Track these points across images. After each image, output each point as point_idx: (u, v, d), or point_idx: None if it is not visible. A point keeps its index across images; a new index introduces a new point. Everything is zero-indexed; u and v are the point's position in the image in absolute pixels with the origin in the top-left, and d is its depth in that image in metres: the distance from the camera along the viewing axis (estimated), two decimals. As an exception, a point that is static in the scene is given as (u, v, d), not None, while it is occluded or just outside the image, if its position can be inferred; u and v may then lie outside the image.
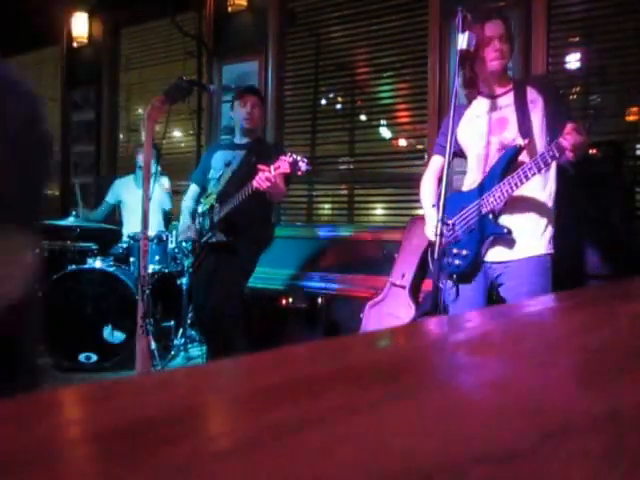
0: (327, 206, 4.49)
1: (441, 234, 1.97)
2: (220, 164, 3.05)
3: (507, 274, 2.14)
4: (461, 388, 0.40)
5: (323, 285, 3.94)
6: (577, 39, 3.36)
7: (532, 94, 2.17)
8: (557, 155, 1.95)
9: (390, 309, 3.21)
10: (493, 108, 2.22)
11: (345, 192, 4.36)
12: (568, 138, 1.90)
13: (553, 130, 2.11)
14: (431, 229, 2.22)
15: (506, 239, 2.11)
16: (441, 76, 3.58)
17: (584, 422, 0.32)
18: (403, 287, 3.18)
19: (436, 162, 2.43)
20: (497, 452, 0.28)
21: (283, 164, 2.49)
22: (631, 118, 3.03)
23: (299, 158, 2.50)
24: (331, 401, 0.34)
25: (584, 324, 0.63)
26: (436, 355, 0.50)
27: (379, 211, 4.21)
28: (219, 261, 2.90)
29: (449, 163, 2.02)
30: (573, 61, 3.36)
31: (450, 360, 0.48)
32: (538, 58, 3.27)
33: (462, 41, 2.01)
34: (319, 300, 3.66)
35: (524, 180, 2.03)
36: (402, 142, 4.04)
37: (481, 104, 2.27)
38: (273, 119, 4.30)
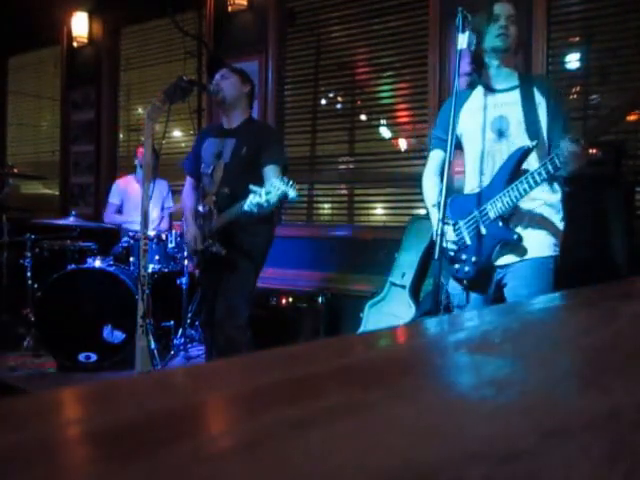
0: (327, 206, 4.50)
1: (442, 234, 1.96)
2: (210, 156, 2.82)
3: (510, 275, 2.10)
4: (461, 388, 0.40)
5: (323, 285, 3.94)
6: (577, 39, 3.36)
7: (537, 96, 2.08)
8: (552, 171, 1.90)
9: (390, 309, 3.21)
10: (498, 103, 2.13)
11: (345, 192, 4.36)
12: (561, 155, 1.87)
13: (550, 136, 2.07)
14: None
15: (513, 244, 2.05)
16: (441, 76, 3.58)
17: (584, 422, 0.32)
18: (403, 287, 3.18)
19: (436, 156, 2.30)
20: (497, 452, 0.28)
21: (275, 192, 2.31)
22: (631, 118, 3.02)
23: (290, 188, 2.30)
24: (331, 401, 0.34)
25: (584, 324, 0.63)
26: (436, 355, 0.50)
27: (379, 211, 4.21)
28: (223, 271, 2.75)
29: (450, 162, 2.01)
30: (573, 61, 3.36)
31: (450, 360, 0.48)
32: (538, 58, 3.27)
33: (462, 41, 2.00)
34: (319, 300, 3.66)
35: (533, 186, 1.96)
36: (402, 142, 4.04)
37: (483, 97, 2.16)
38: (273, 119, 4.30)
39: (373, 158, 4.12)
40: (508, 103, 2.10)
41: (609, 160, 2.63)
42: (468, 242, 2.11)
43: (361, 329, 3.27)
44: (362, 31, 4.05)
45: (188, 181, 3.03)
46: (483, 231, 2.07)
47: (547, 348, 0.51)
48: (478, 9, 2.11)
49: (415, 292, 3.19)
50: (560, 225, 2.11)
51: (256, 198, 2.35)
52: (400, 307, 3.15)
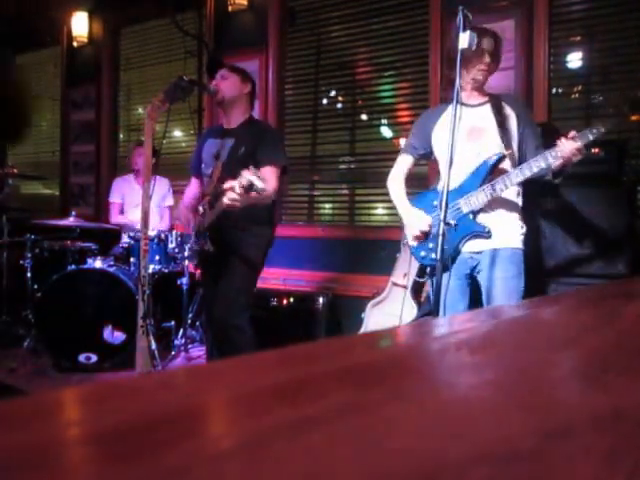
0: (328, 206, 4.50)
1: (443, 234, 1.98)
2: (209, 157, 2.82)
3: (484, 261, 2.29)
4: (461, 388, 0.40)
5: (323, 285, 3.95)
6: (578, 38, 3.36)
7: (507, 109, 2.33)
8: (543, 166, 2.13)
9: (392, 309, 3.20)
10: (470, 116, 2.33)
11: (346, 192, 4.36)
12: (565, 145, 2.07)
13: (522, 149, 2.31)
14: (415, 228, 2.37)
15: (482, 236, 2.28)
16: (442, 75, 3.58)
17: (586, 421, 0.32)
18: (405, 287, 3.18)
19: (405, 161, 2.53)
20: (498, 452, 0.28)
21: (243, 182, 2.24)
22: (633, 117, 3.03)
23: (254, 178, 2.21)
24: (331, 401, 0.34)
25: (585, 324, 0.63)
26: (436, 355, 0.50)
27: (380, 210, 4.21)
28: (221, 270, 2.73)
29: (450, 162, 2.03)
30: (574, 60, 3.36)
31: (450, 360, 0.48)
32: (539, 57, 3.27)
33: (463, 40, 2.01)
34: (319, 300, 3.66)
35: (509, 185, 2.20)
36: (403, 142, 4.04)
37: (457, 111, 2.27)
38: (274, 119, 4.30)
39: (374, 158, 4.12)
40: (481, 115, 2.33)
41: (611, 159, 2.63)
42: (434, 232, 2.32)
43: (362, 330, 3.27)
44: (362, 30, 4.05)
45: (192, 181, 3.03)
46: (453, 223, 2.23)
47: (549, 348, 0.51)
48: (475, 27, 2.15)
49: (417, 292, 3.19)
50: (523, 221, 2.34)
51: (231, 195, 2.30)
52: (402, 308, 3.15)
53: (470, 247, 2.31)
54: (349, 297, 3.79)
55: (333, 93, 4.35)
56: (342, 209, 4.43)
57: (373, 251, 3.84)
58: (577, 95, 3.38)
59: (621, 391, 0.37)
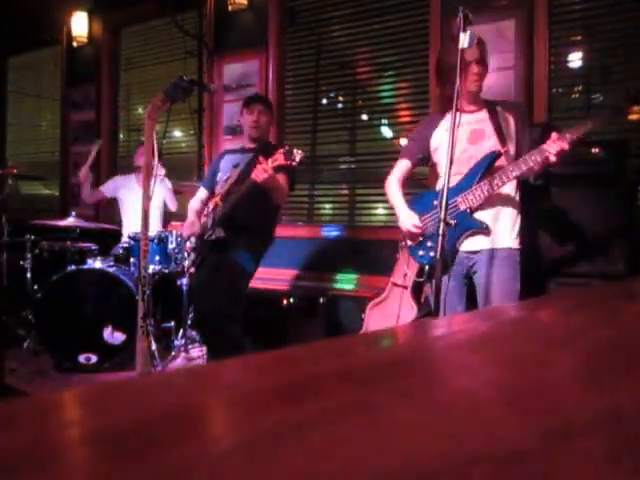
0: (328, 206, 4.50)
1: (443, 235, 1.98)
2: (228, 166, 3.08)
3: (480, 262, 2.32)
4: (461, 388, 0.40)
5: (323, 285, 3.94)
6: (579, 38, 3.36)
7: (504, 114, 2.38)
8: (539, 160, 2.15)
9: (392, 309, 3.20)
10: (470, 121, 2.38)
11: (346, 192, 4.36)
12: (552, 145, 2.10)
13: (519, 149, 2.35)
14: (406, 221, 2.45)
15: (481, 232, 2.30)
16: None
17: (586, 422, 0.32)
18: (405, 287, 3.18)
19: (403, 166, 2.56)
20: (498, 452, 0.28)
21: (279, 155, 2.56)
22: (633, 117, 3.02)
23: (295, 149, 2.56)
24: (331, 401, 0.34)
25: (585, 324, 0.63)
26: (436, 355, 0.50)
27: (380, 211, 4.21)
28: (220, 262, 2.87)
29: (450, 162, 2.03)
30: (575, 60, 3.36)
31: (450, 360, 0.48)
32: (540, 57, 3.27)
33: (463, 40, 2.01)
34: (319, 300, 3.66)
35: (505, 181, 2.23)
36: (403, 142, 4.04)
37: (457, 116, 2.34)
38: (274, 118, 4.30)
39: (374, 158, 4.12)
40: (479, 119, 2.39)
41: (611, 159, 2.63)
42: (432, 231, 2.35)
43: (362, 330, 3.27)
44: (363, 30, 4.05)
45: (201, 191, 3.26)
46: (452, 221, 2.22)
47: (548, 348, 0.51)
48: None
49: (417, 293, 3.19)
50: (519, 220, 2.37)
51: (262, 165, 2.58)
52: (401, 308, 3.15)
53: (467, 246, 2.33)
54: (349, 297, 3.79)
55: (333, 93, 4.35)
56: (342, 209, 4.43)
57: (373, 251, 3.84)
58: (577, 95, 3.38)
59: (620, 391, 0.37)
